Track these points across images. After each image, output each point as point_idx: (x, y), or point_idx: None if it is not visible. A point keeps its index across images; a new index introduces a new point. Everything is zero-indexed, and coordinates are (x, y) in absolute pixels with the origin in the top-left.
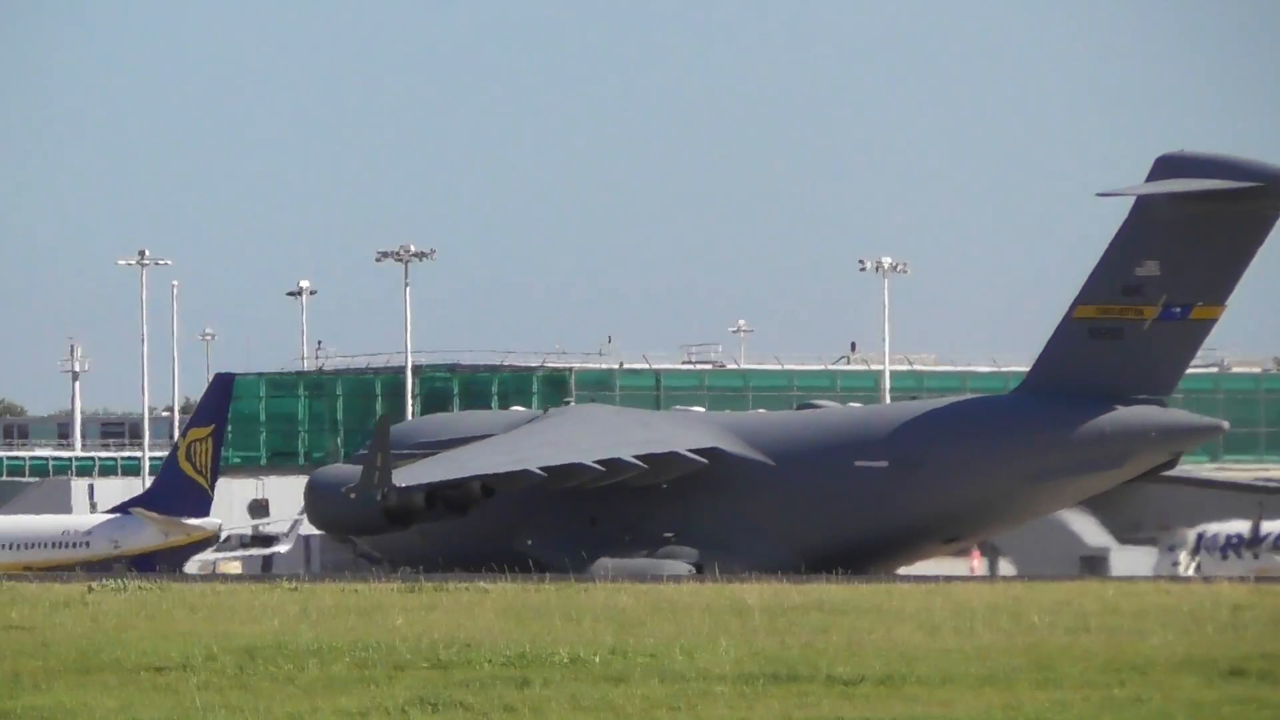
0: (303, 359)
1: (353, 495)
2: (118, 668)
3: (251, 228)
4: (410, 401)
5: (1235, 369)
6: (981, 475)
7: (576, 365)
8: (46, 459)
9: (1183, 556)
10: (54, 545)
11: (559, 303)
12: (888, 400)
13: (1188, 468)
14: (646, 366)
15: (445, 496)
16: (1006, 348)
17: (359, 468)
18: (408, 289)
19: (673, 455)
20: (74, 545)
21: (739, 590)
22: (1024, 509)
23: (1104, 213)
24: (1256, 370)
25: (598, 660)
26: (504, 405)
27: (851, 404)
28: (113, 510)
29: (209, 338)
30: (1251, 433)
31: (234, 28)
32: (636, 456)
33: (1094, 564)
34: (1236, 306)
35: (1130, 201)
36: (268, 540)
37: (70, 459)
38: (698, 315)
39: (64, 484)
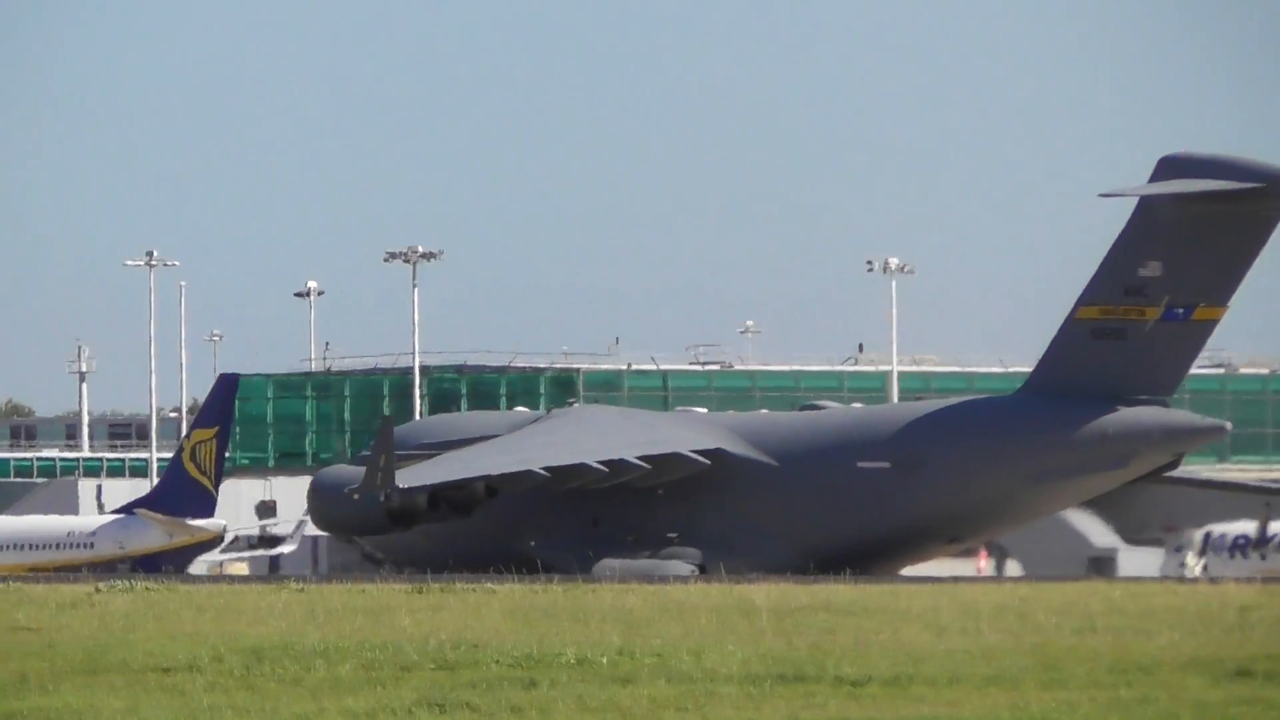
0: (310, 360)
1: (355, 496)
2: (124, 669)
3: (259, 228)
4: (418, 402)
5: (1242, 370)
6: (984, 476)
7: (584, 366)
8: (54, 460)
9: (1190, 557)
10: (58, 546)
11: (567, 303)
12: (895, 401)
13: (1195, 468)
14: (654, 367)
15: (448, 497)
16: (1014, 349)
17: (362, 469)
18: (415, 290)
19: (676, 456)
20: (78, 546)
21: (746, 591)
22: (1026, 509)
23: (1116, 214)
24: (1264, 371)
25: (605, 661)
26: (512, 406)
27: (854, 404)
28: (117, 511)
29: (216, 338)
30: (1259, 433)
31: (241, 29)
32: (639, 457)
33: (1101, 565)
34: (1244, 307)
35: (1132, 202)
36: (275, 541)
37: (78, 460)
38: (705, 316)
39: (71, 485)
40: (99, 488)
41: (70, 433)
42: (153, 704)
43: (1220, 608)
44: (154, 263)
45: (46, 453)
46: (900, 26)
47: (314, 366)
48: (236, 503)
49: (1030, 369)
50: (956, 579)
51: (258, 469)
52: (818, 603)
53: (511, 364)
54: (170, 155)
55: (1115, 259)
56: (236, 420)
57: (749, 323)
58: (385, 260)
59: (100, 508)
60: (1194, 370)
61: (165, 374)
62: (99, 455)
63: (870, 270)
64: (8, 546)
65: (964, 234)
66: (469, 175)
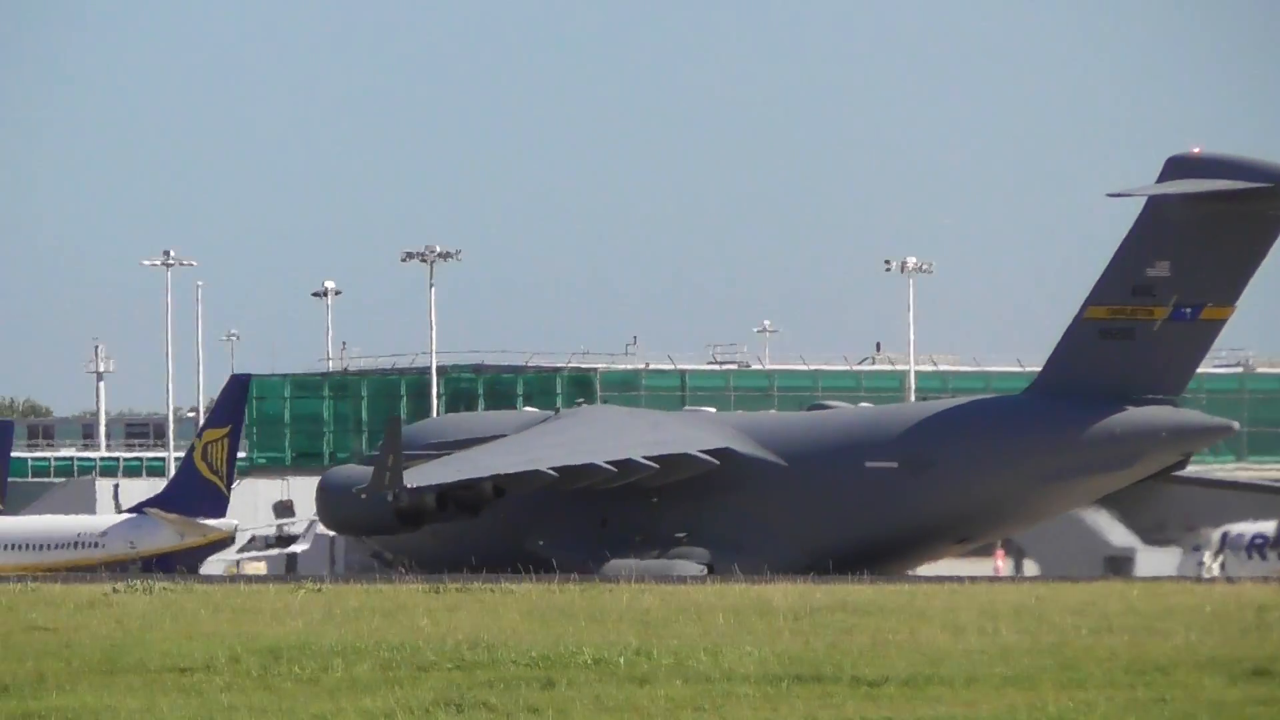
0: (328, 360)
1: (364, 496)
2: (142, 669)
3: (276, 228)
4: (435, 402)
5: (1260, 370)
6: (992, 475)
7: (601, 366)
8: (71, 459)
9: (1207, 557)
10: (70, 546)
11: (584, 303)
12: (912, 400)
13: (1212, 468)
14: (671, 367)
15: (456, 497)
16: (1031, 348)
17: (370, 468)
18: (433, 289)
19: (685, 456)
20: (90, 546)
21: (763, 591)
22: (1035, 509)
23: (1129, 214)
24: None
25: (622, 661)
26: (529, 406)
27: (862, 404)
28: (128, 511)
29: (233, 338)
30: (1276, 433)
31: (260, 29)
32: (648, 457)
33: (1118, 564)
34: (1261, 307)
35: (1140, 202)
36: (291, 541)
37: (95, 459)
38: (723, 316)
39: (88, 484)
40: (116, 488)
41: (88, 432)
42: (170, 704)
43: (1237, 607)
44: (171, 263)
45: (64, 452)
46: (916, 30)
47: (331, 366)
48: (254, 502)
49: None
50: (974, 579)
51: (275, 469)
52: (835, 603)
53: (528, 364)
54: (188, 155)
55: (1123, 259)
56: (254, 420)
57: (766, 322)
58: (403, 260)
59: (117, 507)
60: (1212, 370)
61: (182, 374)
62: (116, 455)
63: (888, 270)
64: (18, 546)
65: (983, 234)
66: (487, 175)
